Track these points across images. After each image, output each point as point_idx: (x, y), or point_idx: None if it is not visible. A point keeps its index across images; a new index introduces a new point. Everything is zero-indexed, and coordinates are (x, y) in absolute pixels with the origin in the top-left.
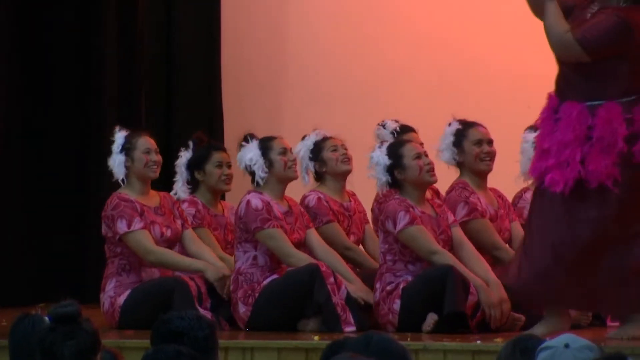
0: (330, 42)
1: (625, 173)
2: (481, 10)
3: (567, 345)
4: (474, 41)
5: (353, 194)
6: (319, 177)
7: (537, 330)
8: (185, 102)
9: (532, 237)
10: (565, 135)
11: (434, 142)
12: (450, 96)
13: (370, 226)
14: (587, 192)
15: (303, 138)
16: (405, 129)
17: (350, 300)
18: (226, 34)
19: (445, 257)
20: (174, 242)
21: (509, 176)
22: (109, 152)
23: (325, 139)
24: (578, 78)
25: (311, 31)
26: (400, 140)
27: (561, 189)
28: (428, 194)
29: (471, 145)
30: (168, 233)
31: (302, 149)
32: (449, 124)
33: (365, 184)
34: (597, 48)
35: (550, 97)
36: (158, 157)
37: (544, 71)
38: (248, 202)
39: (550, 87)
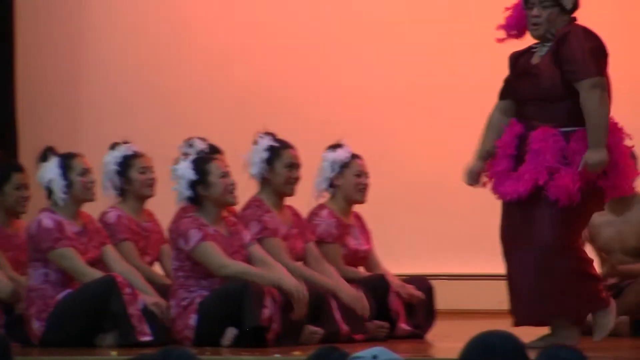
0: (131, 54)
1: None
2: (277, 29)
3: (375, 357)
4: (274, 59)
5: (151, 214)
6: (122, 192)
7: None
8: None
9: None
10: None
11: (234, 157)
12: (250, 112)
13: (167, 246)
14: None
15: (113, 147)
16: (213, 150)
17: (146, 311)
18: (20, 45)
19: (235, 266)
20: None
21: (305, 193)
22: None
23: (136, 155)
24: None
25: (111, 43)
26: (207, 156)
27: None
28: (224, 211)
29: (283, 167)
30: None
31: (110, 160)
32: (260, 138)
33: (167, 197)
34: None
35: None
36: None
37: (343, 90)
38: (39, 221)
39: (345, 104)
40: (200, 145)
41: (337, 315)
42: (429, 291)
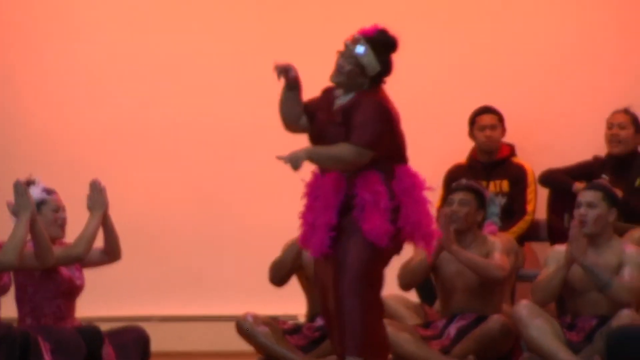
0: None
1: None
2: None
3: None
4: None
5: None
6: None
7: None
8: None
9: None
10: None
11: None
12: None
13: None
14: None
15: None
16: None
17: None
18: None
19: None
20: None
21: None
22: None
23: None
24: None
25: None
26: None
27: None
28: None
29: None
30: None
31: None
32: None
33: None
34: (377, 139)
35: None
36: None
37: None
38: None
39: (51, 141)
40: None
41: (48, 358)
42: (144, 341)
